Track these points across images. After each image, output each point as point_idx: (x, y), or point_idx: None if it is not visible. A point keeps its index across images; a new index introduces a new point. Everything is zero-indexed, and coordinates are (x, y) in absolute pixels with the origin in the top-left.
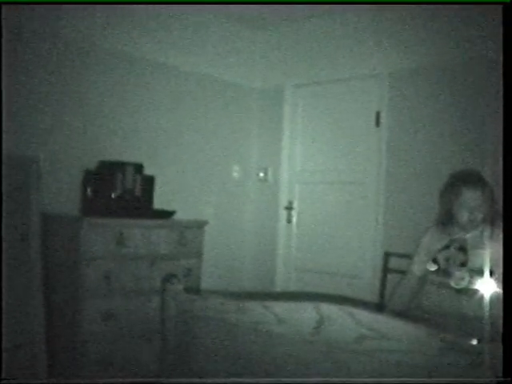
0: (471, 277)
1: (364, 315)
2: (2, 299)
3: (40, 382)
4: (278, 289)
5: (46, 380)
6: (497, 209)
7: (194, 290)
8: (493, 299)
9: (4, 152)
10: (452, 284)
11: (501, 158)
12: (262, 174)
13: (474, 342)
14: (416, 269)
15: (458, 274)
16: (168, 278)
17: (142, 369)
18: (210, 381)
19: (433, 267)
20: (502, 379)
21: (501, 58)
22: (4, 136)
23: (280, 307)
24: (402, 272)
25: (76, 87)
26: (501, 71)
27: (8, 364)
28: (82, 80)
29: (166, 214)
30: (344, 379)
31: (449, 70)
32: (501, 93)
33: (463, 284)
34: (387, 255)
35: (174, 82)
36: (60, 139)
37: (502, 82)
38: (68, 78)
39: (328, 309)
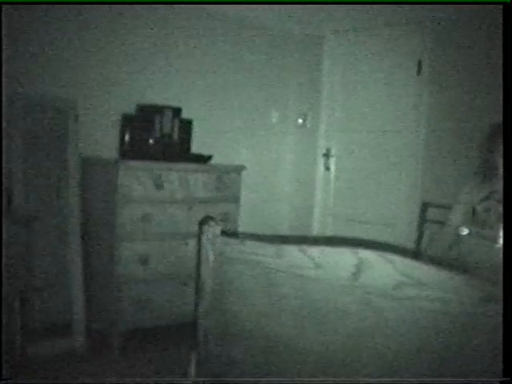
0: None
1: (403, 262)
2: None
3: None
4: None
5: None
6: None
7: (232, 234)
8: None
9: (42, 96)
10: (492, 240)
11: None
12: (300, 121)
13: None
14: (455, 219)
15: (498, 228)
16: (205, 221)
17: (178, 312)
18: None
19: (465, 231)
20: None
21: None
22: (41, 80)
23: (317, 252)
24: (439, 222)
25: (113, 32)
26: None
27: (41, 305)
28: (119, 25)
29: (204, 159)
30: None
31: (492, 20)
32: None
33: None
34: (425, 205)
35: (213, 27)
36: (98, 83)
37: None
38: (104, 23)
39: (366, 254)
